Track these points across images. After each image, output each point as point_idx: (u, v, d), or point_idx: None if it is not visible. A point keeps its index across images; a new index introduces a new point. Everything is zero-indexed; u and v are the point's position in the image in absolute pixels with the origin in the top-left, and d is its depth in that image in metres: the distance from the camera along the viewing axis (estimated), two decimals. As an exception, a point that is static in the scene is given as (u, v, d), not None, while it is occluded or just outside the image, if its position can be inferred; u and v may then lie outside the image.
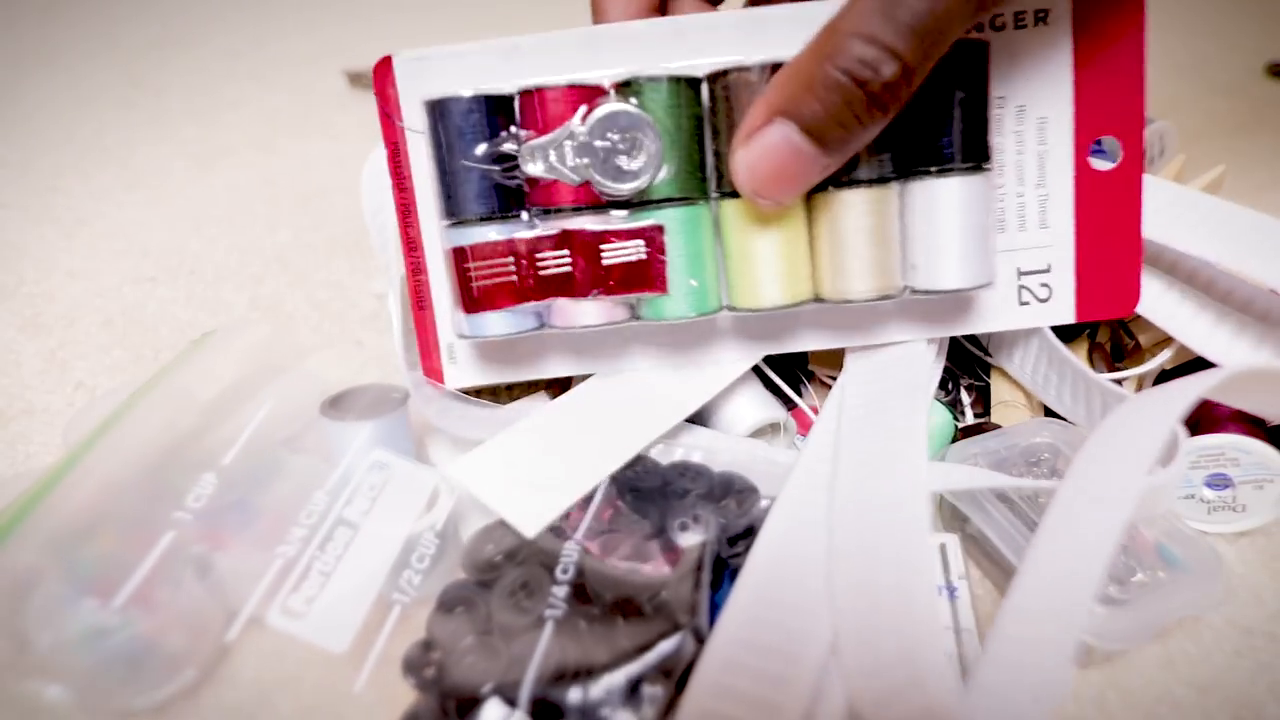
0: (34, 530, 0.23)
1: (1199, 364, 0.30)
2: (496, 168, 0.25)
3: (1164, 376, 0.30)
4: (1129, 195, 0.26)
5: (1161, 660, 0.25)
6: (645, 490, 0.25)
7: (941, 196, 0.24)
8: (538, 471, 0.25)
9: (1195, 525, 0.28)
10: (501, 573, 0.23)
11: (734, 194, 0.24)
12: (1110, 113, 0.26)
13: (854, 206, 0.24)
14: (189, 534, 0.23)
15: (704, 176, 0.25)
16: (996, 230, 0.27)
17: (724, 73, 0.24)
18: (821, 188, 0.24)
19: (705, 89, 0.24)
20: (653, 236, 0.24)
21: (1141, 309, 0.28)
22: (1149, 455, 0.22)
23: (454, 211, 0.25)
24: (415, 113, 0.26)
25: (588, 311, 0.25)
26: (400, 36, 0.75)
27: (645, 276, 0.24)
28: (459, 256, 0.25)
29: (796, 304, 0.25)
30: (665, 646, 0.21)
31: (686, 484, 0.25)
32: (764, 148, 0.22)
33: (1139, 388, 0.32)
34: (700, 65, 0.24)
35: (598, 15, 0.28)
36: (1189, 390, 0.23)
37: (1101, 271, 0.26)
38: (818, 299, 0.26)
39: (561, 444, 0.26)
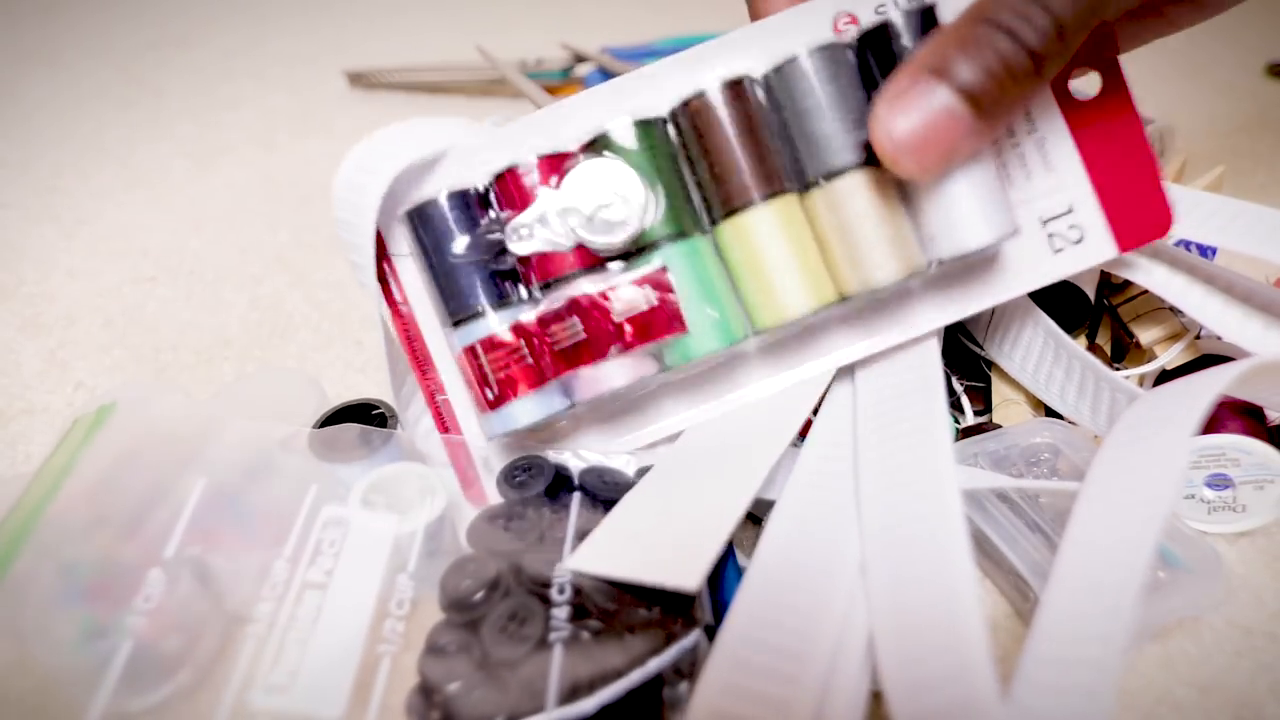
0: (37, 531, 0.23)
1: (1199, 364, 0.30)
2: (486, 256, 0.25)
3: (1164, 376, 0.30)
4: (1123, 116, 0.25)
5: (1161, 660, 0.25)
6: (617, 499, 0.25)
7: None
8: (669, 530, 0.22)
9: (1195, 525, 0.28)
10: (487, 608, 0.22)
11: (730, 213, 0.24)
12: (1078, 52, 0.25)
13: (852, 194, 0.24)
14: (186, 535, 0.23)
15: (693, 209, 0.25)
16: (1005, 182, 0.26)
17: (685, 103, 0.24)
18: (813, 185, 0.24)
19: (671, 128, 0.25)
20: (658, 280, 0.24)
21: (1157, 290, 0.28)
22: (1180, 456, 0.22)
23: (455, 311, 0.25)
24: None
25: (613, 374, 0.24)
26: (401, 37, 0.75)
27: (662, 321, 0.24)
28: (471, 356, 0.25)
29: (824, 306, 0.24)
30: (683, 644, 0.21)
31: None
32: (915, 106, 0.21)
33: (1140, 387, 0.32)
34: (660, 106, 0.25)
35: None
36: (1211, 385, 0.23)
37: (1127, 196, 0.25)
38: (844, 299, 0.25)
39: (679, 501, 0.24)
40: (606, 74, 0.58)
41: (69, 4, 0.80)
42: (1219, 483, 0.27)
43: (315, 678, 0.20)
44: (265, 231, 0.46)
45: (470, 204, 0.25)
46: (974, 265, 0.26)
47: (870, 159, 0.23)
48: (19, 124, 0.58)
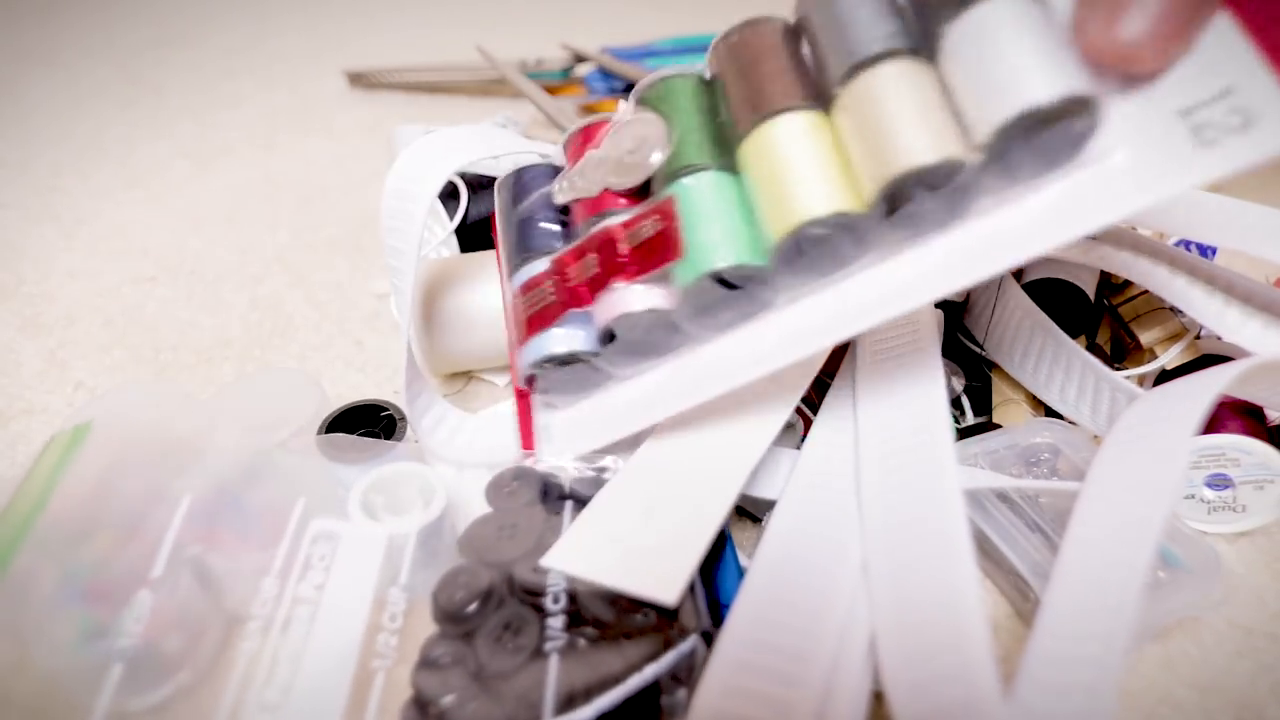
0: (32, 536, 0.23)
1: (1199, 364, 0.30)
2: (544, 211, 0.27)
3: (1164, 376, 0.30)
4: None
5: (1162, 661, 0.25)
6: None
7: (979, 23, 0.20)
8: (647, 535, 0.22)
9: (1195, 525, 0.28)
10: (481, 619, 0.22)
11: (753, 127, 0.23)
12: None
13: (878, 82, 0.21)
14: (185, 535, 0.23)
15: (715, 147, 0.24)
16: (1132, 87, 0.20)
17: (724, 36, 0.25)
18: (837, 95, 0.22)
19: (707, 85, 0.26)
20: (664, 209, 0.24)
21: (1158, 290, 0.28)
22: (1181, 455, 0.22)
23: (513, 259, 0.27)
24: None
25: (628, 300, 0.24)
26: (401, 36, 0.75)
27: (660, 249, 0.24)
28: (514, 300, 0.27)
29: (843, 214, 0.22)
30: (680, 650, 0.21)
31: None
32: None
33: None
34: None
35: None
36: (1211, 385, 0.23)
37: None
38: (868, 212, 0.22)
39: (655, 501, 0.23)
40: (606, 74, 0.58)
41: (68, 3, 0.80)
42: (1219, 483, 0.27)
43: (309, 695, 0.20)
44: (265, 231, 0.46)
45: (541, 172, 0.28)
46: (1074, 176, 0.21)
47: (897, 49, 0.21)
48: (18, 124, 0.58)
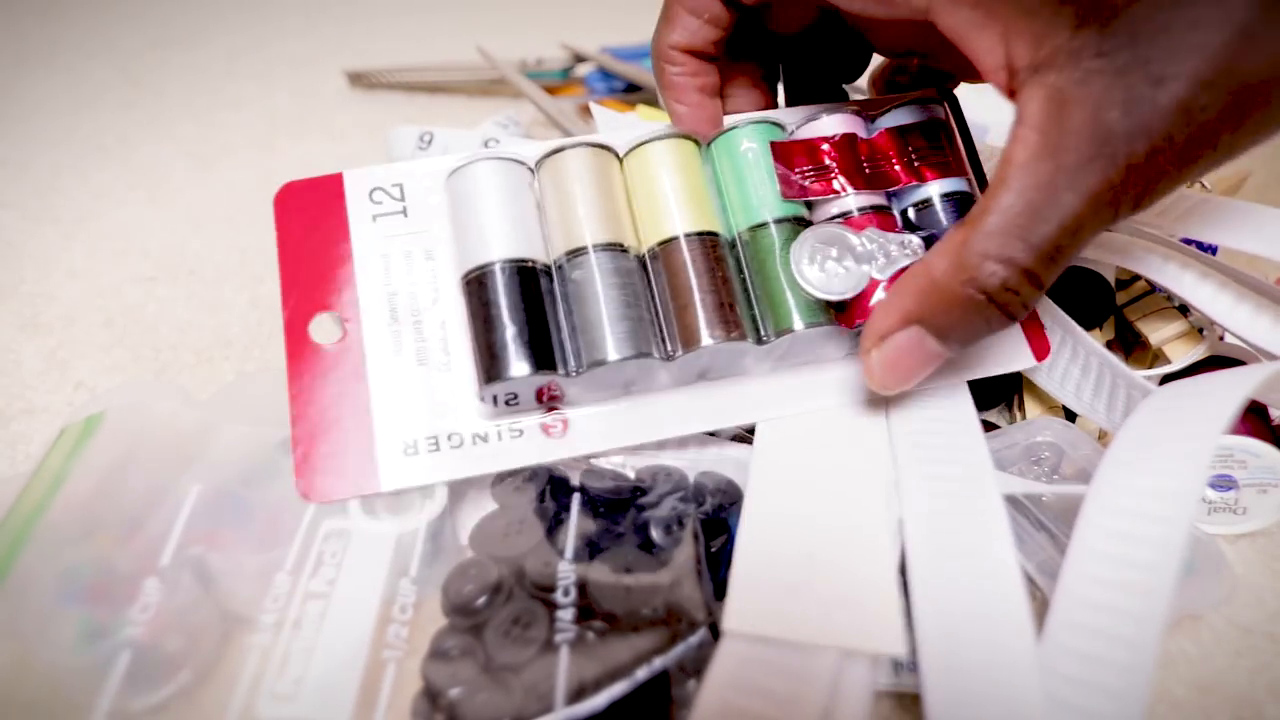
0: (35, 535, 0.23)
1: (1204, 364, 0.30)
2: None
3: (1169, 377, 0.30)
4: None
5: (1161, 660, 0.25)
6: (620, 501, 0.25)
7: None
8: (824, 583, 0.22)
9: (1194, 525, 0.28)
10: (490, 613, 0.22)
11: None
12: None
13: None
14: (186, 536, 0.23)
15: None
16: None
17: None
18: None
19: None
20: None
21: (1169, 285, 0.28)
22: (1205, 459, 0.22)
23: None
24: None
25: None
26: (401, 37, 0.75)
27: None
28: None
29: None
30: (689, 643, 0.21)
31: (661, 489, 0.25)
32: (899, 350, 0.23)
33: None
34: None
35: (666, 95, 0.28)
36: (1239, 388, 0.23)
37: None
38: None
39: (808, 543, 0.23)
40: (606, 74, 0.58)
41: (69, 4, 0.80)
42: (1223, 484, 0.27)
43: (321, 685, 0.21)
44: (265, 231, 0.46)
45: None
46: None
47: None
48: (19, 124, 0.58)
